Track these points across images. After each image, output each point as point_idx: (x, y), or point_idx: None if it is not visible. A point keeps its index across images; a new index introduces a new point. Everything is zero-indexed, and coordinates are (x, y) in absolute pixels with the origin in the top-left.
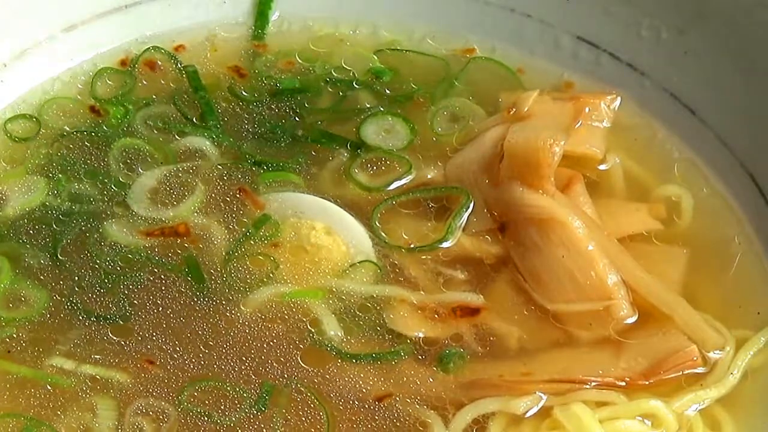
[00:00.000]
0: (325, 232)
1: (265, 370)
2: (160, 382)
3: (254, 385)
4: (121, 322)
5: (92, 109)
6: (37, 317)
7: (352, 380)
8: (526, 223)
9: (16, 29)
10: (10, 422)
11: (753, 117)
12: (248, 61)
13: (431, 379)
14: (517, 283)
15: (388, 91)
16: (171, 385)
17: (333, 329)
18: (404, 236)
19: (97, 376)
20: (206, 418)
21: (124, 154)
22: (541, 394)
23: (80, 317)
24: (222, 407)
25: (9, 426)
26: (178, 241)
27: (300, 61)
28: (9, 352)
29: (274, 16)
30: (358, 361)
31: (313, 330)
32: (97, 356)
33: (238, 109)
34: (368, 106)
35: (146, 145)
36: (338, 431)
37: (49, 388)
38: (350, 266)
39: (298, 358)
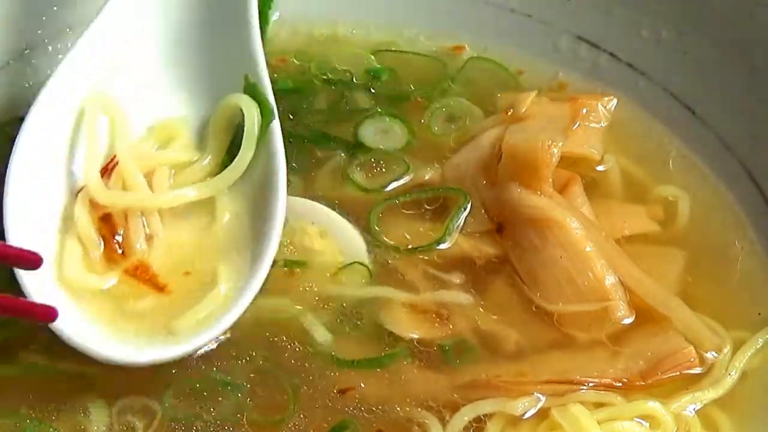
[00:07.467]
0: (319, 235)
1: (259, 372)
2: (150, 382)
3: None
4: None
5: None
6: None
7: (349, 381)
8: (524, 224)
9: (16, 29)
10: (10, 423)
11: (753, 117)
12: None
13: (427, 381)
14: (514, 284)
15: (385, 92)
16: (159, 387)
17: (327, 333)
18: (402, 237)
19: (94, 376)
20: (194, 418)
21: None
22: (539, 395)
23: None
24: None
25: (8, 427)
26: None
27: (296, 61)
28: None
29: (274, 17)
30: (353, 367)
31: (307, 333)
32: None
33: None
34: (365, 106)
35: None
36: None
37: (43, 388)
38: (344, 268)
39: (292, 362)
